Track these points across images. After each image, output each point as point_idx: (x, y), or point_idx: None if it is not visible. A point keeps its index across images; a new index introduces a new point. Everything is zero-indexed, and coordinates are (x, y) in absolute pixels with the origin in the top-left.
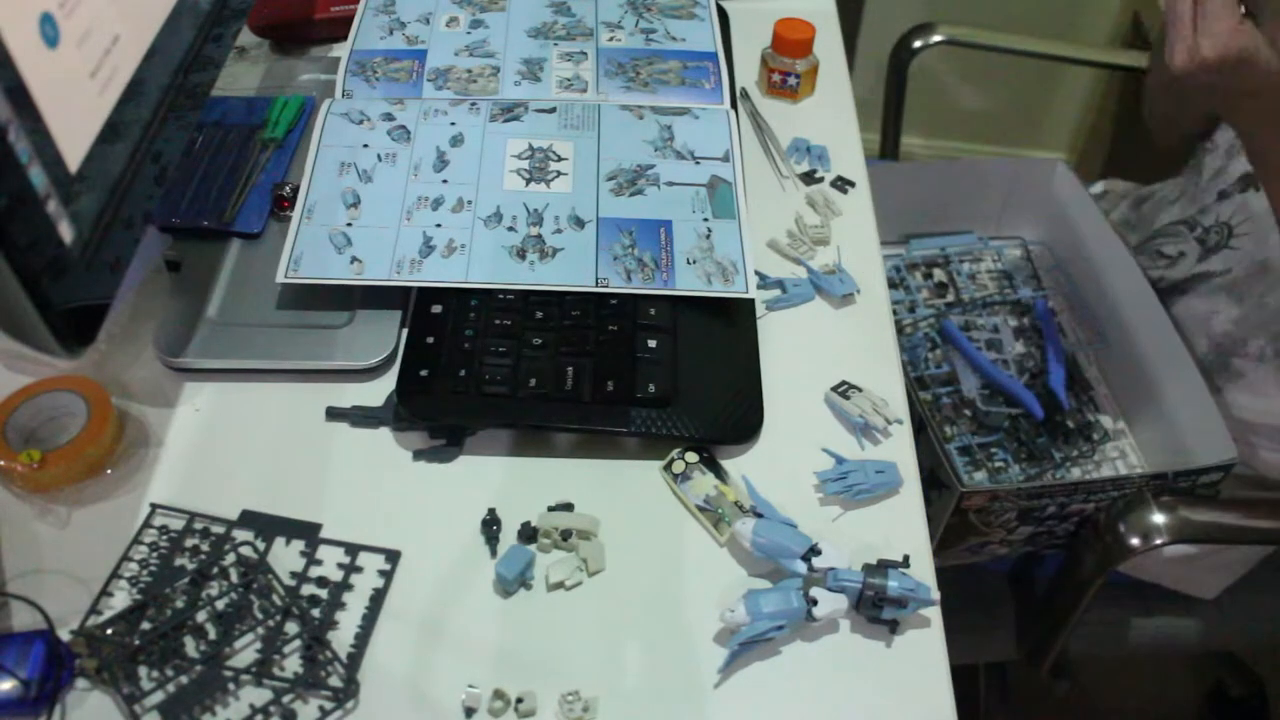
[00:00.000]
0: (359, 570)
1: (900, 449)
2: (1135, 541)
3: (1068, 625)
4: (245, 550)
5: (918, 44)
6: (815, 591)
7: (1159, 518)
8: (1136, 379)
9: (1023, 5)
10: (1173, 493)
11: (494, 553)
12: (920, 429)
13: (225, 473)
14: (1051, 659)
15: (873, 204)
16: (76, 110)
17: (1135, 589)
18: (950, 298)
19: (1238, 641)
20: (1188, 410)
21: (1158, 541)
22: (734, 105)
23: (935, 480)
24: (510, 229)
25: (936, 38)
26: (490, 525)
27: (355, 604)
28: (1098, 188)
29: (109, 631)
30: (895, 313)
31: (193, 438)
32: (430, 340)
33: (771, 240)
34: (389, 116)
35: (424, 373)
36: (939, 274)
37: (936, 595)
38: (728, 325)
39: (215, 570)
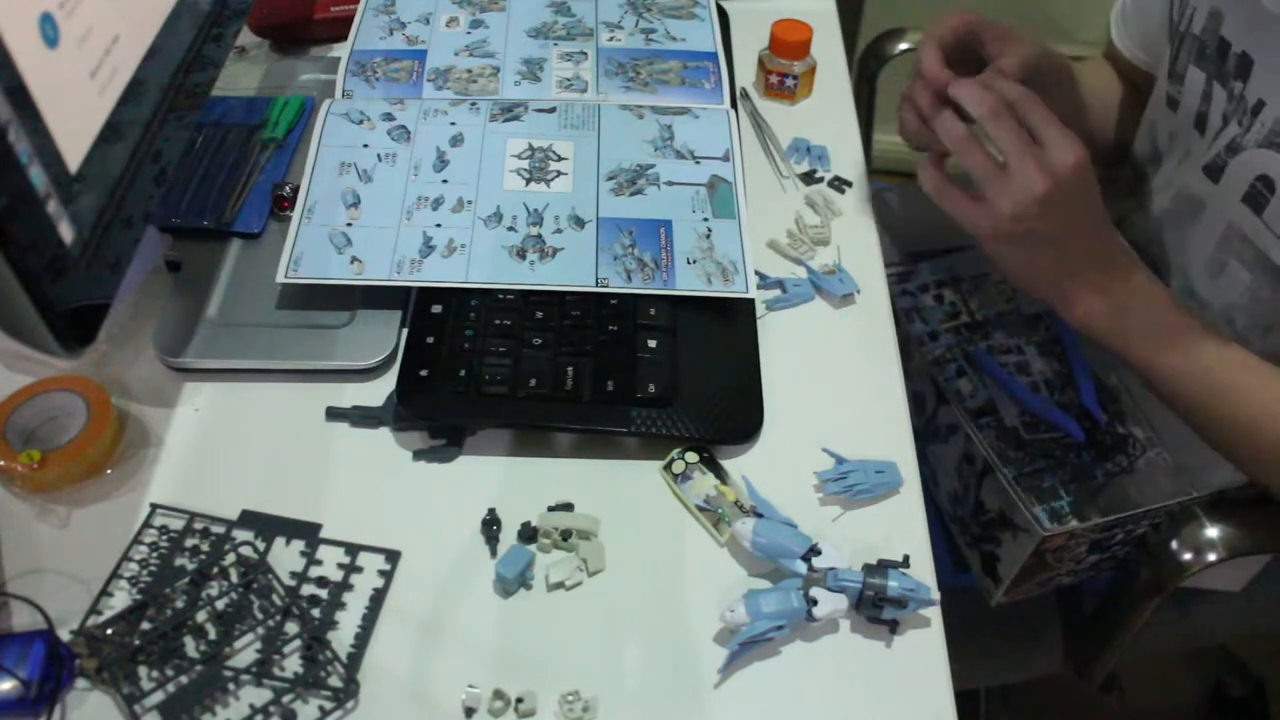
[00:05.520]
0: (359, 570)
1: (900, 449)
2: (1188, 558)
3: (1120, 642)
4: (245, 550)
5: (887, 51)
6: (815, 591)
7: (1212, 532)
8: None
9: (1024, 5)
10: (1228, 505)
11: (494, 553)
12: (986, 471)
13: (225, 473)
14: (1102, 674)
15: (876, 225)
16: (76, 110)
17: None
18: (964, 318)
19: (1266, 627)
20: None
21: (1211, 557)
22: (734, 105)
23: (1007, 523)
24: (510, 229)
25: (903, 46)
26: (490, 525)
27: (355, 604)
28: None
29: (109, 631)
30: (923, 342)
31: (193, 438)
32: (430, 340)
33: (771, 240)
34: (389, 116)
35: (424, 373)
36: (949, 294)
37: (936, 595)
38: (728, 325)
39: (215, 570)
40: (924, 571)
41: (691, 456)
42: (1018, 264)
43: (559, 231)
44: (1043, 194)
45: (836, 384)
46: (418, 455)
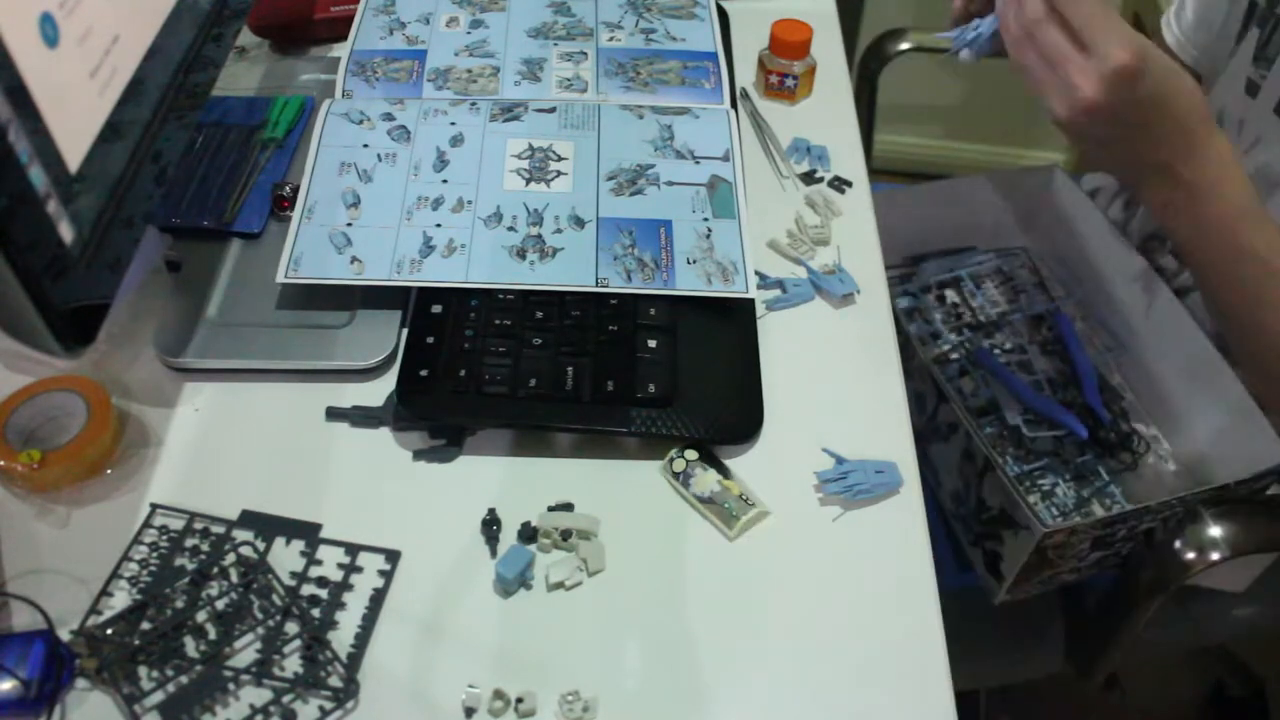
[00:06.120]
0: (359, 570)
1: (900, 449)
2: (1192, 557)
3: (1122, 641)
4: (245, 550)
5: (887, 51)
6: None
7: (1216, 531)
8: (1163, 383)
9: None
10: (1229, 502)
11: (494, 553)
12: (986, 469)
13: (225, 473)
14: (1104, 673)
15: (876, 226)
16: (76, 110)
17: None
18: (967, 318)
19: (1267, 628)
20: (1223, 411)
21: (1215, 556)
22: (734, 105)
23: (1008, 520)
24: (510, 229)
25: (904, 45)
26: (490, 525)
27: (355, 604)
28: (1088, 185)
29: (109, 631)
30: (925, 342)
31: (193, 438)
32: (430, 340)
33: (771, 240)
34: (389, 116)
35: (424, 373)
36: (951, 295)
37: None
38: (728, 325)
39: (215, 570)
40: (924, 572)
41: (691, 454)
42: (1092, 151)
43: (559, 231)
44: (1089, 103)
45: (836, 384)
46: (418, 455)
